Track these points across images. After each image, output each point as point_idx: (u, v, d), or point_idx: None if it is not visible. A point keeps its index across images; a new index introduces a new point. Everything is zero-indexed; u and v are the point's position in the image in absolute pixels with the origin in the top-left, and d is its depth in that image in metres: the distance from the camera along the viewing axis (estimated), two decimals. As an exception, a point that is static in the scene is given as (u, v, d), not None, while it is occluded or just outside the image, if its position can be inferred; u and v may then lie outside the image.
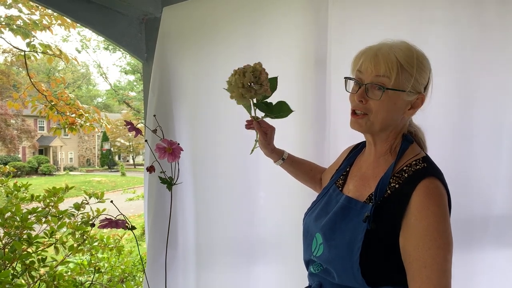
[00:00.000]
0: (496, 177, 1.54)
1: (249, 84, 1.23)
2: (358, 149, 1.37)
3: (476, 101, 1.56)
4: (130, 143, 32.35)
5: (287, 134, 1.77)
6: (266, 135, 1.46)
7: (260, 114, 1.38)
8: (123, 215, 0.99)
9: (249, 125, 1.45)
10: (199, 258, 2.07)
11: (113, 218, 0.97)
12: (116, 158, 35.77)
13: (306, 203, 1.67)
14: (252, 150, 1.43)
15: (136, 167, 32.86)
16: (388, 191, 1.09)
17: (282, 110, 1.35)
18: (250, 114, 1.37)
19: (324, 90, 1.74)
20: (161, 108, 2.06)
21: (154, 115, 1.30)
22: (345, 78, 1.20)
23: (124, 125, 1.10)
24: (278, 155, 1.53)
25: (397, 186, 1.09)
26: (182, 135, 2.08)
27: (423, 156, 1.14)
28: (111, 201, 1.06)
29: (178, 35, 2.07)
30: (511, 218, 1.53)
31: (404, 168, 1.11)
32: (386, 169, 1.14)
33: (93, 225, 1.17)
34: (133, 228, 0.99)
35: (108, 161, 33.62)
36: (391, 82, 1.07)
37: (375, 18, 1.65)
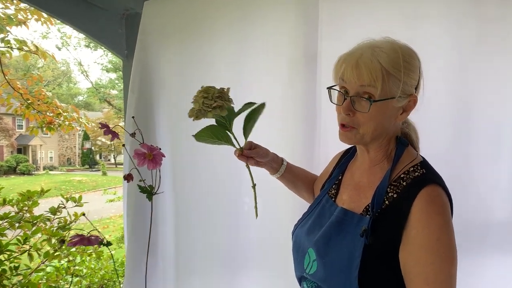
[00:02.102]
0: (496, 181, 1.47)
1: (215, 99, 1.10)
2: (349, 154, 1.27)
3: (474, 101, 1.48)
4: (112, 142, 31.93)
5: (274, 135, 1.69)
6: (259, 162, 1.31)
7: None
8: (98, 230, 0.89)
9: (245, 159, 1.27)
10: (180, 267, 1.97)
11: (85, 235, 0.86)
12: (97, 157, 35.30)
13: (295, 210, 1.59)
14: (256, 206, 1.27)
15: (118, 166, 32.44)
16: (386, 202, 1.01)
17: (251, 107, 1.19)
18: (235, 145, 1.23)
19: (314, 88, 1.65)
20: (141, 108, 1.95)
21: (133, 117, 1.19)
22: (328, 88, 1.10)
23: (99, 127, 1.00)
24: (277, 164, 1.37)
25: (395, 196, 1.01)
26: (163, 138, 1.97)
27: (421, 160, 1.06)
28: (83, 214, 0.96)
29: (160, 32, 1.97)
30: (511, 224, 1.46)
31: (402, 176, 1.03)
32: (382, 177, 1.06)
33: (62, 241, 1.07)
34: (108, 244, 0.88)
35: (89, 160, 33.15)
36: (377, 92, 0.98)
37: (367, 12, 1.57)
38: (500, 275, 1.50)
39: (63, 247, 2.76)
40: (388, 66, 0.98)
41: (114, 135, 0.99)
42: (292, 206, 1.59)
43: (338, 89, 1.07)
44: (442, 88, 1.48)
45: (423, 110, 1.08)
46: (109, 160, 36.10)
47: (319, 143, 1.65)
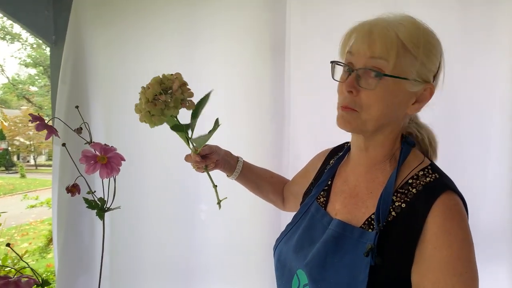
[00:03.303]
0: (483, 185, 1.37)
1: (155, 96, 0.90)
2: (340, 155, 1.09)
3: (460, 102, 1.38)
4: (31, 142, 29.90)
5: (237, 135, 1.49)
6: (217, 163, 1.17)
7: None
8: (32, 269, 0.64)
9: (199, 166, 1.14)
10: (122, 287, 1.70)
11: (11, 276, 0.60)
12: (15, 158, 32.92)
13: (263, 217, 1.41)
14: (219, 201, 1.10)
15: (38, 168, 30.43)
16: (393, 213, 0.84)
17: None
18: (188, 146, 1.05)
19: (282, 81, 1.48)
20: (74, 102, 1.66)
21: (77, 106, 0.93)
22: (331, 62, 0.92)
23: (30, 120, 0.73)
24: (233, 161, 1.22)
25: (403, 205, 0.84)
26: (100, 137, 1.69)
27: (430, 163, 0.91)
28: (8, 245, 0.69)
29: (96, 13, 1.71)
30: (498, 232, 1.37)
31: (410, 181, 0.87)
32: (386, 183, 0.89)
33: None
34: (45, 284, 0.63)
35: (5, 162, 30.80)
36: (389, 66, 0.81)
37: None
38: (486, 284, 1.41)
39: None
40: (406, 39, 0.81)
41: (51, 130, 0.73)
42: (262, 213, 1.40)
43: (344, 63, 0.90)
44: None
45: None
46: (28, 161, 33.76)
47: (288, 143, 1.48)
